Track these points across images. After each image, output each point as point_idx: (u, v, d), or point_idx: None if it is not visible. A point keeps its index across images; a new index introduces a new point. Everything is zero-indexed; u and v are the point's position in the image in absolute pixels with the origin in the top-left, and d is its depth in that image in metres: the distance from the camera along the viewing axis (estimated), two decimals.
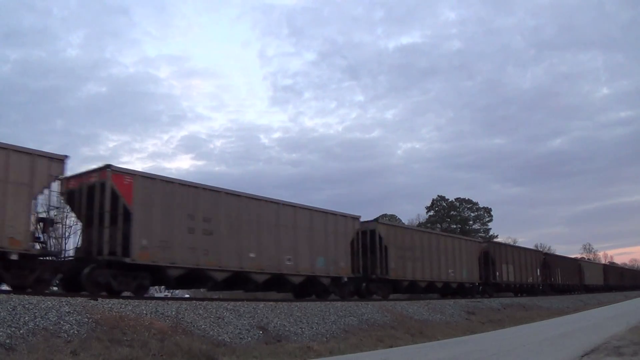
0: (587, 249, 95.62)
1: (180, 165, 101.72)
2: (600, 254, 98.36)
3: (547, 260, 38.60)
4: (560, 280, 40.13)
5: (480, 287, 29.55)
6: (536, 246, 71.80)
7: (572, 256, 59.01)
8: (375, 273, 21.09)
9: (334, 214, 19.67)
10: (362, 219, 21.13)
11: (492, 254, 30.05)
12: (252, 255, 16.06)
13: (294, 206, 18.17)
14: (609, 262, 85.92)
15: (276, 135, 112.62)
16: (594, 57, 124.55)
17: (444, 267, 25.47)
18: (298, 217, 18.06)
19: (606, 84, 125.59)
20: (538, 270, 35.93)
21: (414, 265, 23.17)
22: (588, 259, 73.52)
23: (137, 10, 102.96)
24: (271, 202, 17.41)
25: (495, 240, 50.22)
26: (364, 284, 20.99)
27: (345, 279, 19.69)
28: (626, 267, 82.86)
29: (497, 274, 30.01)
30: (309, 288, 18.69)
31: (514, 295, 32.50)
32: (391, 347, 12.06)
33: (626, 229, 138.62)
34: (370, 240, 21.20)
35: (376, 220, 22.24)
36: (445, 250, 25.84)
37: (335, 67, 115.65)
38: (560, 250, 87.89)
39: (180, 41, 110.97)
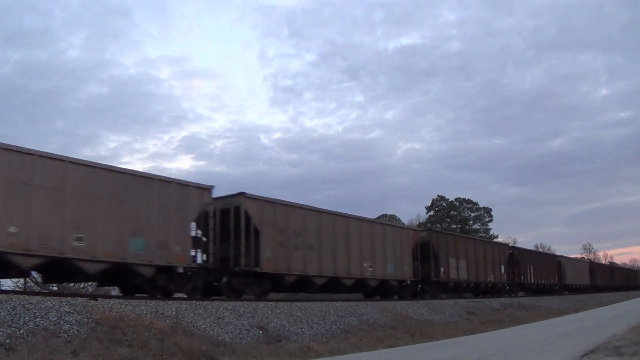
0: (587, 249, 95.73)
1: (180, 166, 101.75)
2: (601, 254, 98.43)
3: (515, 256, 33.45)
4: (532, 279, 35.27)
5: (420, 286, 25.03)
6: (536, 246, 71.98)
7: (574, 256, 59.36)
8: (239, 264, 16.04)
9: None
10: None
11: (434, 245, 25.21)
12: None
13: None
14: (609, 262, 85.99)
15: (276, 135, 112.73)
16: (593, 58, 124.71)
17: (357, 259, 20.02)
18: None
19: (605, 85, 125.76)
20: (503, 267, 31.39)
21: (306, 256, 17.86)
22: (588, 259, 73.41)
23: (138, 12, 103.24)
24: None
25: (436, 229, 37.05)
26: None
27: (408, 282, 23.35)
28: (616, 265, 75.11)
29: (442, 270, 25.17)
30: (378, 290, 21.59)
31: (474, 296, 28.26)
32: (391, 347, 12.06)
33: (626, 229, 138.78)
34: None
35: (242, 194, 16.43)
36: (359, 238, 20.38)
37: (335, 68, 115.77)
38: (560, 250, 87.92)
39: (181, 42, 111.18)
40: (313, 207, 19.14)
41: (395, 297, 22.26)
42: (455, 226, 60.19)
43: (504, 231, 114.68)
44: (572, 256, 56.39)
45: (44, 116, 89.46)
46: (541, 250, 60.49)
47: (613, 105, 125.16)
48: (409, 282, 23.02)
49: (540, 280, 36.57)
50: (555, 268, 39.50)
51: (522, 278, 34.08)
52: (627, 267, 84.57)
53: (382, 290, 21.73)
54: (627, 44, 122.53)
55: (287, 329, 12.58)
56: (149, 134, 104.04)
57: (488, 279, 29.42)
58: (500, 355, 9.02)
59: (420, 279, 24.04)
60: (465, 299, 26.09)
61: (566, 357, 8.01)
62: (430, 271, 24.63)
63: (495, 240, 52.74)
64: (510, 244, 44.03)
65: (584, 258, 68.99)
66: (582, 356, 7.97)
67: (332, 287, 19.19)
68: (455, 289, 27.40)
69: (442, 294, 25.97)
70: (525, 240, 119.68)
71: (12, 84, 79.30)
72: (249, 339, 11.30)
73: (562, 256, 44.72)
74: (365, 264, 20.41)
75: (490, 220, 64.09)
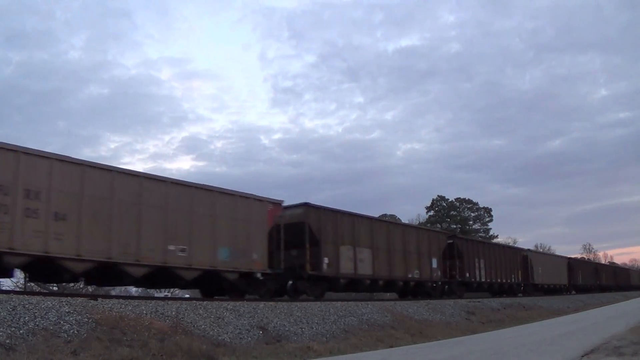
0: (587, 249, 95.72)
1: (181, 166, 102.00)
2: (600, 254, 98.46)
3: (457, 246, 27.58)
4: (484, 277, 29.87)
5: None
6: (536, 246, 71.88)
7: (574, 256, 59.12)
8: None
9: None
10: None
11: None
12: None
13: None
14: (609, 262, 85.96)
15: (276, 136, 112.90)
16: (592, 59, 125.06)
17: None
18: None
19: (604, 86, 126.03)
20: (435, 261, 27.68)
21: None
22: (588, 259, 73.31)
23: (140, 13, 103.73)
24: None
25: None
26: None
27: (439, 283, 25.33)
28: (601, 263, 69.10)
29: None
30: (414, 290, 23.65)
31: (492, 295, 29.17)
32: (391, 347, 12.06)
33: (626, 229, 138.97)
34: None
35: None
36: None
37: (335, 69, 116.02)
38: (560, 250, 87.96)
39: (181, 43, 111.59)
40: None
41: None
42: (455, 226, 60.19)
43: (504, 231, 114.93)
44: (572, 256, 56.16)
45: (45, 117, 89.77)
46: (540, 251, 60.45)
47: (612, 105, 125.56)
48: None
49: (498, 279, 32.03)
50: (519, 264, 34.83)
51: (467, 274, 29.62)
52: (621, 266, 79.55)
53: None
54: (626, 45, 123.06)
55: (287, 329, 12.58)
56: (149, 134, 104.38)
57: (505, 280, 31.67)
58: (500, 355, 9.02)
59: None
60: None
61: (566, 357, 8.01)
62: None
63: (510, 244, 52.89)
64: (510, 243, 44.59)
65: (584, 258, 68.79)
66: (582, 356, 7.97)
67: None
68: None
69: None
70: (525, 240, 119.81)
71: (14, 84, 79.66)
72: (249, 339, 11.30)
73: (529, 250, 40.06)
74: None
75: (490, 220, 64.17)
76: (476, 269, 28.22)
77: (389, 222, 24.26)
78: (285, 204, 17.69)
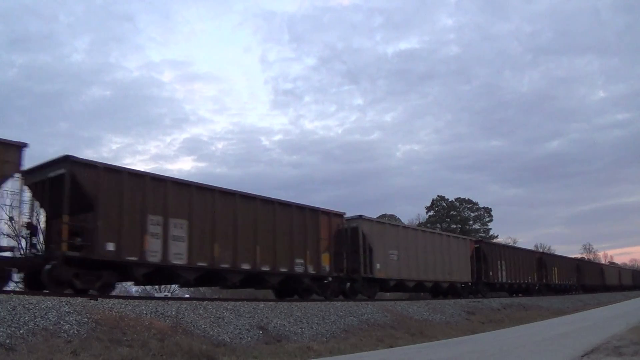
0: (587, 249, 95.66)
1: (182, 167, 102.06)
2: (600, 254, 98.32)
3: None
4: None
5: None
6: (536, 246, 71.80)
7: (574, 256, 59.01)
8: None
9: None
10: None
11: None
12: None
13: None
14: (609, 262, 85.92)
15: (277, 137, 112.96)
16: (590, 61, 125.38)
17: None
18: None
19: (602, 88, 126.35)
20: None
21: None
22: (588, 259, 73.21)
23: (142, 17, 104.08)
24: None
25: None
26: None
27: (469, 283, 27.56)
28: (586, 260, 58.40)
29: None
30: (448, 291, 25.88)
31: (510, 295, 32.41)
32: (391, 347, 12.06)
33: (626, 229, 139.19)
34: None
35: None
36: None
37: (335, 71, 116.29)
38: (560, 250, 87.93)
39: (183, 46, 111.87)
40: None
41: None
42: (455, 226, 60.15)
43: (503, 231, 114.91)
44: (572, 256, 56.13)
45: (47, 118, 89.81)
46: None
47: (610, 107, 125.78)
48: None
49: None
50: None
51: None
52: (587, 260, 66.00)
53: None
54: (624, 48, 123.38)
55: (287, 329, 12.57)
56: (151, 135, 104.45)
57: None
58: (500, 355, 9.02)
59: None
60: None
61: (566, 357, 8.01)
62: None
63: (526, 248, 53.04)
64: (510, 243, 45.58)
65: (584, 258, 68.62)
66: (582, 356, 7.97)
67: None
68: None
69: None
70: (525, 240, 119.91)
71: (17, 87, 79.74)
72: (249, 339, 11.30)
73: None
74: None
75: (490, 220, 64.11)
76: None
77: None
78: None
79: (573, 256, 56.85)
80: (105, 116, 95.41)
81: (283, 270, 16.48)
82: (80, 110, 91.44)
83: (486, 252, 29.33)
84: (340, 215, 19.34)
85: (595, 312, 24.75)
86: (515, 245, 47.58)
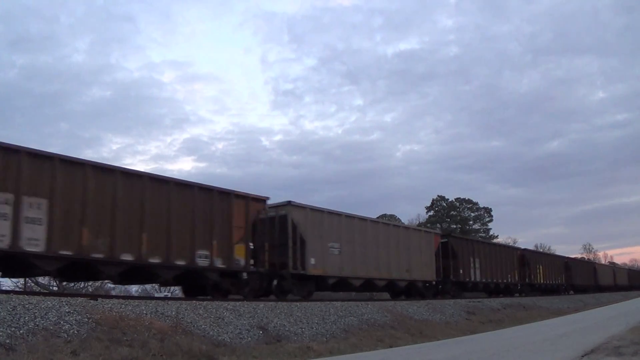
0: (587, 249, 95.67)
1: (182, 167, 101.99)
2: (601, 254, 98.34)
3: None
4: (479, 277, 28.22)
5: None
6: (536, 247, 71.79)
7: (574, 256, 58.74)
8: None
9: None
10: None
11: (453, 247, 26.35)
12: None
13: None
14: (608, 262, 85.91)
15: (277, 137, 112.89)
16: (590, 62, 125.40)
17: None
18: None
19: (602, 88, 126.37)
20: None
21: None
22: (588, 259, 73.23)
23: (143, 18, 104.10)
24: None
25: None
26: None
27: (433, 282, 24.78)
28: (573, 259, 50.87)
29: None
30: (406, 290, 23.13)
31: (488, 295, 29.26)
32: (391, 347, 12.06)
33: (626, 230, 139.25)
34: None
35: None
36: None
37: (335, 72, 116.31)
38: (560, 250, 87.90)
39: (184, 47, 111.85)
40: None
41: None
42: (455, 226, 60.18)
43: (503, 231, 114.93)
44: (572, 256, 55.94)
45: (47, 119, 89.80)
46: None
47: (610, 107, 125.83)
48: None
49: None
50: (517, 264, 34.44)
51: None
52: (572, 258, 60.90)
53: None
54: (623, 49, 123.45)
55: (287, 329, 12.57)
56: (151, 136, 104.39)
57: (502, 280, 31.02)
58: (500, 355, 9.02)
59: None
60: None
61: (566, 357, 8.01)
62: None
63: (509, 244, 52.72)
64: (510, 243, 44.40)
65: (584, 258, 68.64)
66: (582, 356, 7.98)
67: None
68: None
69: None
70: (525, 240, 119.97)
71: (17, 87, 79.76)
72: (249, 339, 11.30)
73: (525, 249, 39.02)
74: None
75: (490, 220, 64.11)
76: (471, 269, 27.39)
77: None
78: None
79: (573, 256, 56.85)
80: (105, 116, 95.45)
81: (180, 263, 13.80)
82: (81, 110, 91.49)
83: (455, 247, 25.94)
84: (261, 200, 16.38)
85: (595, 312, 24.76)
86: (492, 242, 44.11)
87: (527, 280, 34.27)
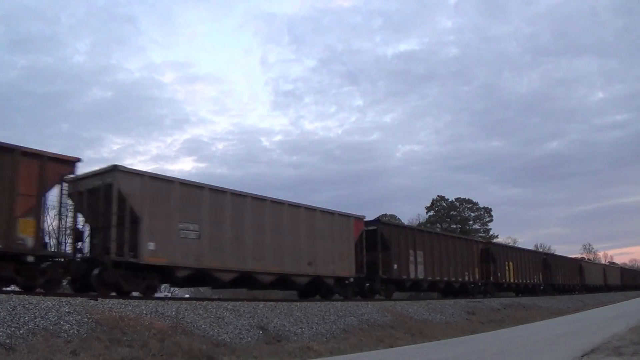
0: (587, 249, 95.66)
1: (182, 168, 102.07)
2: (600, 254, 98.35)
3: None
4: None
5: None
6: (536, 246, 71.85)
7: (574, 256, 58.82)
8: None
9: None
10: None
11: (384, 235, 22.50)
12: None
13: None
14: (608, 262, 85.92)
15: (277, 138, 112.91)
16: (589, 62, 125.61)
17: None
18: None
19: (601, 88, 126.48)
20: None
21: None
22: (588, 259, 73.23)
23: (144, 19, 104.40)
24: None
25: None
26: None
27: (351, 279, 22.97)
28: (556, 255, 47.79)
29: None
30: (311, 288, 18.95)
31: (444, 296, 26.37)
32: (391, 347, 12.06)
33: (625, 230, 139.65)
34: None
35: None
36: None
37: (334, 73, 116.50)
38: (560, 250, 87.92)
39: (184, 48, 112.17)
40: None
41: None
42: (455, 226, 60.17)
43: (503, 231, 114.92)
44: (572, 256, 55.96)
45: (48, 119, 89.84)
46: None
47: (609, 108, 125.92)
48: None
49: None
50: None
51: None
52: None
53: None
54: (622, 49, 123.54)
55: (287, 329, 12.58)
56: (152, 136, 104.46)
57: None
58: (500, 355, 9.02)
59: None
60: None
61: (566, 357, 8.01)
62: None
63: (493, 240, 52.86)
64: (511, 243, 45.73)
65: (584, 258, 68.65)
66: (582, 356, 7.98)
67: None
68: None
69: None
70: (525, 240, 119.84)
71: (18, 88, 79.79)
72: (249, 339, 11.30)
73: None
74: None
75: (490, 220, 64.04)
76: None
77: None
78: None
79: (573, 256, 56.90)
80: (106, 117, 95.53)
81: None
82: (82, 111, 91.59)
83: (388, 236, 22.40)
84: (66, 161, 12.41)
85: (595, 312, 24.76)
86: (443, 232, 41.64)
87: (491, 278, 30.03)
